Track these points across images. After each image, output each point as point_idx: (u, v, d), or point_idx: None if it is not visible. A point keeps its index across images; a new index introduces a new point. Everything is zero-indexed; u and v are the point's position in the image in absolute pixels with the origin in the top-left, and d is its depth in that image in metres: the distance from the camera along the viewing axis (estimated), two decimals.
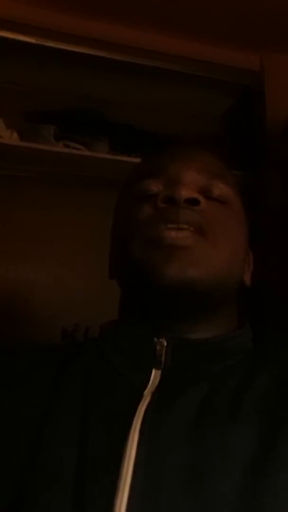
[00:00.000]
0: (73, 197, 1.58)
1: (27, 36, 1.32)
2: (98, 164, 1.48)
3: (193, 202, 0.52)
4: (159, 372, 0.50)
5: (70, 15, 1.35)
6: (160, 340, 0.51)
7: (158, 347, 0.51)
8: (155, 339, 0.51)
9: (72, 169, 1.53)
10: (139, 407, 0.46)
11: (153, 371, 0.50)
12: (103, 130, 1.54)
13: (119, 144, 1.53)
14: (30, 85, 1.52)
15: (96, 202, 1.44)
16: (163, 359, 0.50)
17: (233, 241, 0.55)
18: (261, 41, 1.48)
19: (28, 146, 1.39)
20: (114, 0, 1.31)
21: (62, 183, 1.58)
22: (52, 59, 1.41)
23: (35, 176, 1.54)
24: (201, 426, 0.44)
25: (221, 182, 0.57)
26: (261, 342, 0.57)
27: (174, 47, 1.45)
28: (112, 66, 1.44)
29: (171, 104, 1.62)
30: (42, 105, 1.54)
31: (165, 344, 0.51)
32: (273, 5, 1.32)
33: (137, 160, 0.68)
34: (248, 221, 0.61)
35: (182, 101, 1.62)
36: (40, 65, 1.44)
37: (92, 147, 1.49)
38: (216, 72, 1.51)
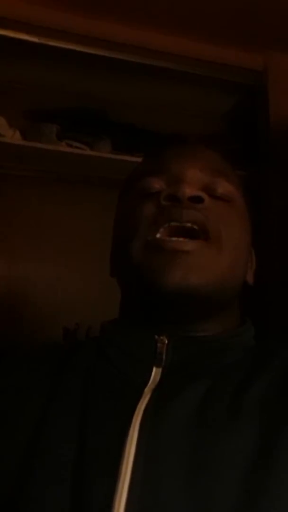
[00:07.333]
0: (76, 197, 1.58)
1: (29, 35, 1.32)
2: (100, 163, 1.49)
3: (197, 200, 0.52)
4: (159, 370, 0.50)
5: (73, 14, 1.35)
6: (161, 337, 0.51)
7: (159, 344, 0.50)
8: (156, 337, 0.51)
9: (75, 169, 1.53)
10: (139, 405, 0.45)
11: (154, 369, 0.50)
12: (105, 130, 1.54)
13: (122, 143, 1.53)
14: (33, 84, 1.52)
15: (99, 202, 1.44)
16: (164, 357, 0.50)
17: (237, 241, 0.54)
18: (265, 41, 1.48)
19: (31, 145, 1.39)
20: None
21: (65, 182, 1.58)
22: (54, 58, 1.41)
23: (37, 175, 1.55)
24: (201, 424, 0.44)
25: (225, 180, 0.56)
26: (263, 340, 0.57)
27: (177, 46, 1.44)
28: (114, 66, 1.44)
29: (174, 104, 1.62)
30: (45, 104, 1.54)
31: (166, 341, 0.50)
32: (276, 5, 1.31)
33: (139, 159, 0.68)
34: (251, 220, 0.60)
35: (185, 100, 1.61)
36: (42, 64, 1.44)
37: (94, 146, 1.49)
38: (219, 72, 1.51)
